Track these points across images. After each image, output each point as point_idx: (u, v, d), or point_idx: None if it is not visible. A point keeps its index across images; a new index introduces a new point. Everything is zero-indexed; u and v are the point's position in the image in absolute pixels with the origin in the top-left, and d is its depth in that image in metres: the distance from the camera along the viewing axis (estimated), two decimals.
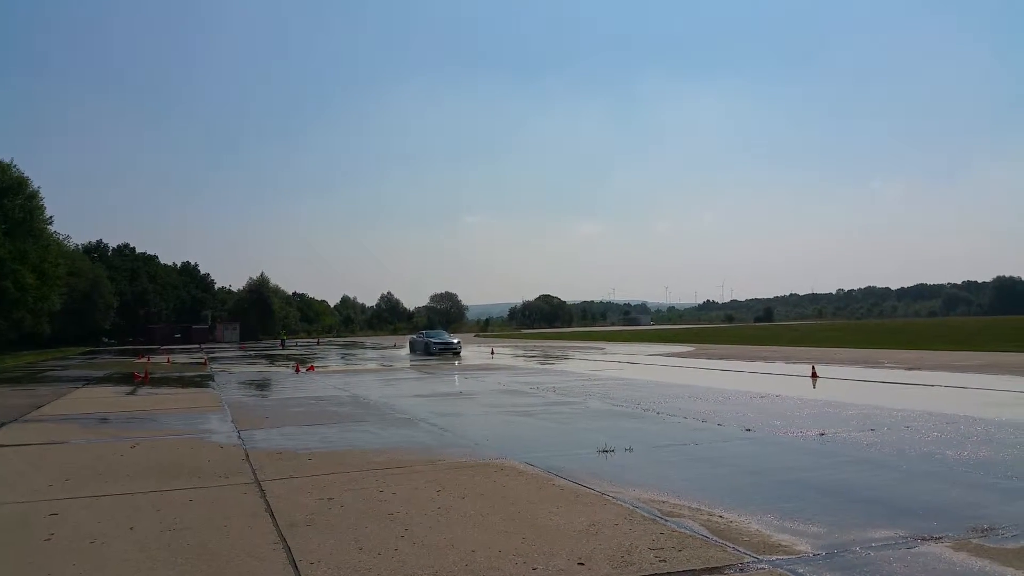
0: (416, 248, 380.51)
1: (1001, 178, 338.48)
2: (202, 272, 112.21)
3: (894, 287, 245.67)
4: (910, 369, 22.09)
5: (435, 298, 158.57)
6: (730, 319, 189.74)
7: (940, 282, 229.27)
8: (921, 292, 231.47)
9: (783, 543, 5.33)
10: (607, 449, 9.25)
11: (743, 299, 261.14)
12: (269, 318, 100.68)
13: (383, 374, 25.54)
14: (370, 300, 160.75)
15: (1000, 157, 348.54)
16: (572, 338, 74.53)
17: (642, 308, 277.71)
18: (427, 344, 38.87)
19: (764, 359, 29.83)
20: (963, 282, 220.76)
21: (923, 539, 5.34)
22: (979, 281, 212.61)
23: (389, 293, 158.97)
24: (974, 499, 6.50)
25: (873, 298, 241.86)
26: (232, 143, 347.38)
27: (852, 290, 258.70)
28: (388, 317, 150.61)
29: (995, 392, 15.36)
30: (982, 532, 5.48)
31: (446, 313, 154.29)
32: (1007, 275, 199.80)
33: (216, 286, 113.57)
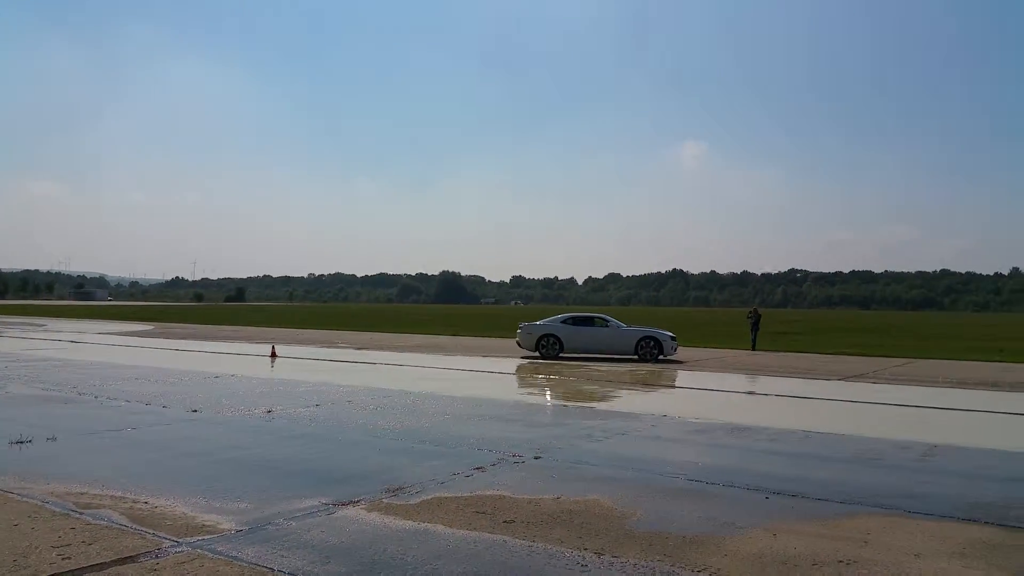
0: None
1: (453, 186, 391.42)
2: None
3: (359, 275, 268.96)
4: (360, 349, 24.27)
5: None
6: (199, 298, 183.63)
7: (398, 273, 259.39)
8: (382, 281, 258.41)
9: (207, 523, 5.21)
10: (23, 440, 7.97)
11: (215, 278, 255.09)
12: None
13: None
14: None
15: (458, 172, 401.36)
16: (3, 312, 62.83)
17: (100, 282, 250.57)
18: (654, 340, 20.89)
19: (228, 339, 29.49)
20: (416, 274, 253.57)
21: (343, 504, 5.78)
22: (428, 274, 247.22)
23: None
24: (392, 463, 7.33)
25: (340, 283, 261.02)
26: None
27: (323, 275, 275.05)
28: None
29: (424, 368, 17.80)
30: (393, 492, 6.18)
31: None
32: (450, 270, 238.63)
33: None
